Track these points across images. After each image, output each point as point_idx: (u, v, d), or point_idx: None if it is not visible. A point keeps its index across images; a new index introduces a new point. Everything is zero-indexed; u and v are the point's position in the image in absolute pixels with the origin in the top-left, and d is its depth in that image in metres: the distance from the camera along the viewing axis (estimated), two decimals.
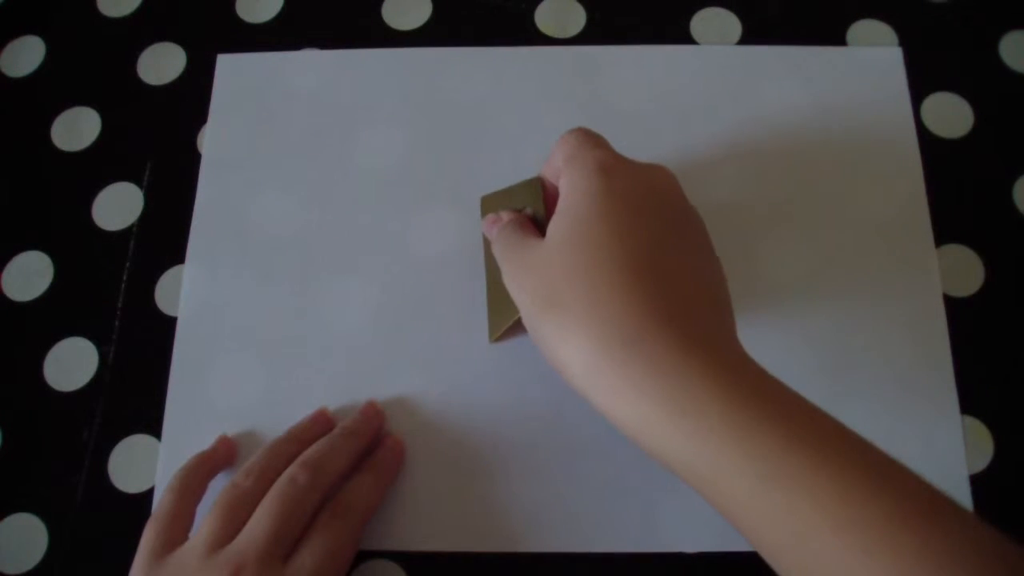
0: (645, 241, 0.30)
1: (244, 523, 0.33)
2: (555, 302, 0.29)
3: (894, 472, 0.26)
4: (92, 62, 0.47)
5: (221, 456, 0.38)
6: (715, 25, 0.46)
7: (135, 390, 0.40)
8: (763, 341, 0.39)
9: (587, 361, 0.28)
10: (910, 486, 0.25)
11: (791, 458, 0.25)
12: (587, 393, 0.29)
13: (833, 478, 0.25)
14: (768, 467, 0.25)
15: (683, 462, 0.27)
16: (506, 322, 0.37)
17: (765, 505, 0.26)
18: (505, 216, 0.36)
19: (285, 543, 0.33)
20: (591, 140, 0.33)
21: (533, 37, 0.46)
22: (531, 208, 0.37)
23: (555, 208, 0.33)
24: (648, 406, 0.27)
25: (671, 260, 0.30)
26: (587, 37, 0.46)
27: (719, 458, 0.26)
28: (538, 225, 0.35)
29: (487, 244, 0.39)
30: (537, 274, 0.31)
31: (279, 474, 0.35)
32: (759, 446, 0.26)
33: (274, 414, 0.39)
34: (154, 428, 0.39)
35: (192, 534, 0.34)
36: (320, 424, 0.38)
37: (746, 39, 0.46)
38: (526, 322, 0.32)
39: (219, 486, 0.35)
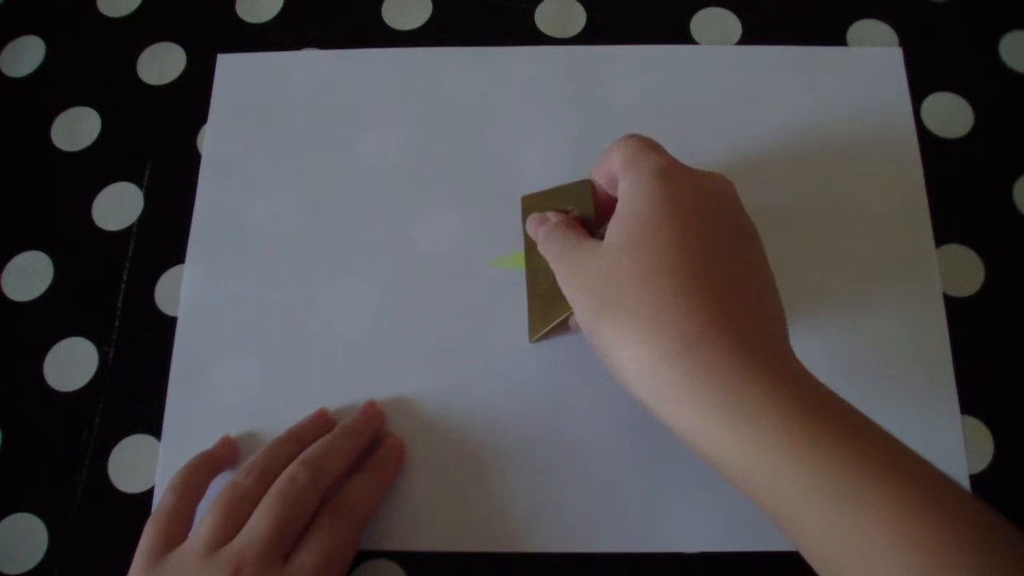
0: (705, 248, 0.30)
1: (244, 522, 0.33)
2: (614, 305, 0.30)
3: (952, 492, 0.26)
4: (92, 62, 0.47)
5: (223, 456, 0.38)
6: (715, 25, 0.46)
7: (135, 390, 0.40)
8: None
9: (644, 365, 0.29)
10: (967, 508, 0.25)
11: (851, 475, 0.25)
12: (642, 397, 0.29)
13: (894, 497, 0.25)
14: (828, 483, 0.26)
15: (738, 470, 0.28)
16: (550, 322, 0.37)
17: (822, 519, 0.26)
18: (552, 217, 0.36)
19: (285, 542, 0.33)
20: (650, 145, 0.33)
21: (533, 37, 0.46)
22: (579, 210, 0.37)
23: (607, 211, 0.34)
24: (705, 413, 0.27)
25: (729, 268, 0.30)
26: (587, 37, 0.46)
27: (776, 469, 0.26)
28: (587, 227, 0.36)
29: (529, 244, 0.39)
30: (595, 276, 0.31)
31: (279, 473, 0.35)
32: (819, 461, 0.26)
33: (274, 414, 0.39)
34: (154, 428, 0.39)
35: (192, 533, 0.34)
36: (320, 424, 0.38)
37: (746, 39, 0.46)
38: (582, 324, 0.32)
39: (219, 486, 0.35)
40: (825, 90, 0.44)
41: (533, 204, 0.40)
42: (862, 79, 0.45)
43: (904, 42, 0.45)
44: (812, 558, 0.27)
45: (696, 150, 0.43)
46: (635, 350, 0.29)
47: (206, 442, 0.38)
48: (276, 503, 0.33)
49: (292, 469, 0.34)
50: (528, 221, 0.38)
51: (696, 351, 0.28)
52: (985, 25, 0.46)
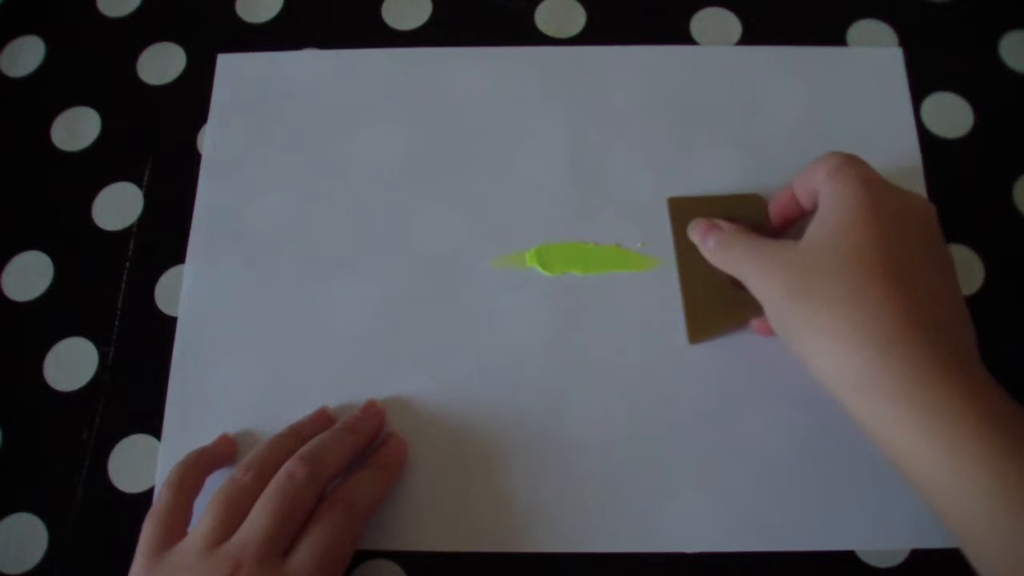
0: (903, 254, 0.31)
1: (243, 518, 0.33)
2: (810, 294, 0.31)
3: None
4: (92, 62, 0.47)
5: (220, 452, 0.38)
6: (715, 25, 0.46)
7: (135, 390, 0.40)
8: (764, 340, 0.39)
9: (840, 354, 0.30)
10: None
11: None
12: (833, 386, 0.30)
13: None
14: (1012, 490, 0.26)
15: (919, 467, 0.28)
16: (723, 327, 0.39)
17: (999, 526, 0.26)
18: (724, 224, 0.38)
19: (284, 538, 0.33)
20: (856, 159, 0.34)
21: (533, 37, 0.46)
22: (750, 221, 0.39)
23: (780, 227, 0.39)
24: (895, 405, 0.28)
25: (926, 277, 0.31)
26: (587, 37, 0.46)
27: (963, 473, 0.27)
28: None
29: (683, 246, 0.40)
30: (792, 269, 0.32)
31: (278, 469, 0.34)
32: (1008, 467, 0.26)
33: (274, 414, 0.39)
34: (154, 428, 0.39)
35: (191, 529, 0.34)
36: (321, 421, 0.38)
37: (746, 39, 0.46)
38: (774, 314, 0.33)
39: (218, 481, 0.35)
40: (825, 90, 0.44)
41: (686, 209, 0.41)
42: (862, 79, 0.44)
43: (904, 42, 0.45)
44: (984, 565, 0.28)
45: (696, 150, 0.43)
46: (831, 339, 0.30)
47: (206, 442, 0.38)
48: (274, 499, 0.33)
49: (290, 464, 0.34)
50: (693, 225, 0.40)
51: (896, 345, 0.29)
52: (985, 25, 0.46)
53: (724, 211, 0.40)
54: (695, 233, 0.39)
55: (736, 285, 0.37)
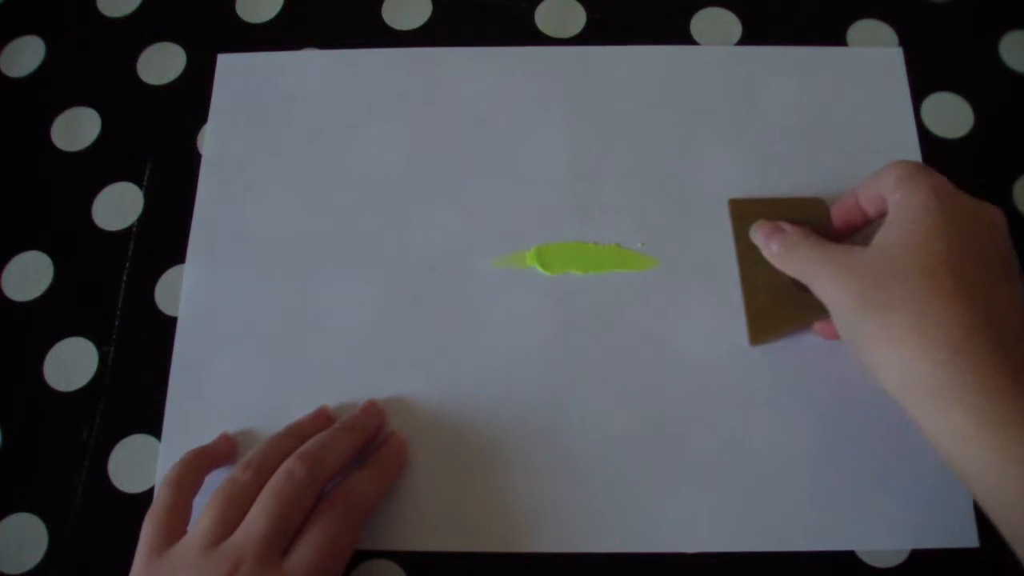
0: (972, 262, 0.31)
1: (243, 517, 0.33)
2: (880, 304, 0.31)
3: None
4: (92, 62, 0.47)
5: (219, 451, 0.38)
6: (715, 25, 0.46)
7: (135, 390, 0.40)
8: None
9: (903, 361, 0.30)
10: None
11: None
12: (899, 395, 0.31)
13: None
14: None
15: (980, 475, 0.28)
16: (785, 330, 0.39)
17: None
18: (788, 227, 0.38)
19: (283, 537, 0.33)
20: (926, 168, 0.34)
21: (533, 37, 0.46)
22: (812, 224, 0.38)
23: (843, 231, 0.38)
24: (958, 414, 0.29)
25: (995, 286, 0.31)
26: (587, 37, 0.46)
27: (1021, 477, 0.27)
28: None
29: (745, 248, 0.40)
30: (861, 277, 0.32)
31: (277, 468, 0.34)
32: None
33: (274, 414, 0.39)
34: (154, 428, 0.39)
35: (191, 527, 0.34)
36: (320, 420, 0.38)
37: (746, 39, 0.46)
38: (843, 322, 0.33)
39: (218, 480, 0.35)
40: (825, 90, 0.44)
41: (747, 210, 0.41)
42: (862, 79, 0.45)
43: (904, 42, 0.45)
44: None
45: (696, 150, 0.43)
46: (896, 346, 0.30)
47: (206, 442, 0.38)
48: (273, 498, 0.33)
49: (289, 463, 0.34)
50: (756, 228, 0.39)
51: (960, 353, 0.29)
52: (985, 25, 0.46)
53: (786, 214, 0.40)
54: (758, 235, 0.39)
55: (799, 287, 0.36)
